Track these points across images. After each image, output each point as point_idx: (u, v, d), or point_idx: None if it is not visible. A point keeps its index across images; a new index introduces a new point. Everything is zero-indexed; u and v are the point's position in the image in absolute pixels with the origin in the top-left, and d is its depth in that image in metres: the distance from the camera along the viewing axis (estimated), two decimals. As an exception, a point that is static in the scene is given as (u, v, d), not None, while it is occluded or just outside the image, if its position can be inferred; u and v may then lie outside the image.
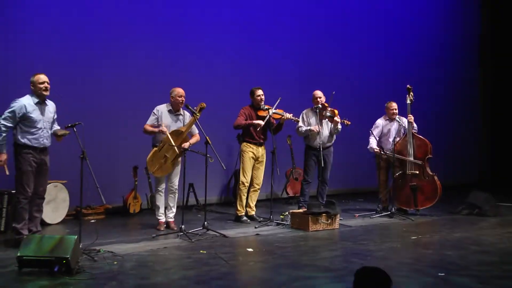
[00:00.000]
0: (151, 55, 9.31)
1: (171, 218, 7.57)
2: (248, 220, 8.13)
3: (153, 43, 9.35)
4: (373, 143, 8.87)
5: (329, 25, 11.53)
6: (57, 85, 8.29)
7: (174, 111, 7.47)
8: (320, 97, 8.42)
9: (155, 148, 7.30)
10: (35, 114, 6.31)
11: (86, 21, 8.71)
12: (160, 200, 7.55)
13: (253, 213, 8.24)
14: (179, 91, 7.43)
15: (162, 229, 7.44)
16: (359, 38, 11.91)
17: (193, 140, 7.46)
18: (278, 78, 10.51)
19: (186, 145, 7.24)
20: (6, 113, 6.24)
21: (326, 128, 8.47)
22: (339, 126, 8.45)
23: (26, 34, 8.18)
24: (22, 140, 6.29)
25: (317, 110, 8.32)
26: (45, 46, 8.32)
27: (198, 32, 9.87)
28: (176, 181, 7.52)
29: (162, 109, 7.46)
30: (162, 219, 7.55)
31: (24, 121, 6.27)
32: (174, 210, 7.60)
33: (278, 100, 8.03)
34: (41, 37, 8.30)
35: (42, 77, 6.36)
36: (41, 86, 6.33)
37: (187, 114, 7.54)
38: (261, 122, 7.98)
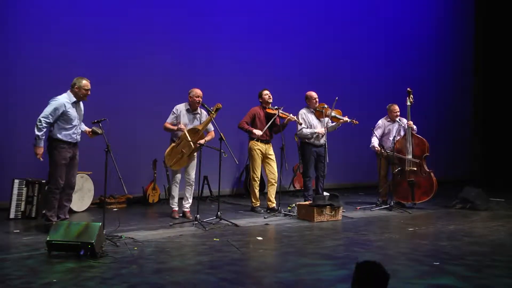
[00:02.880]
0: (170, 57, 9.33)
1: (187, 208, 7.57)
2: (262, 210, 8.13)
3: (172, 46, 9.37)
4: (375, 142, 8.84)
5: (334, 29, 11.46)
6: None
7: (191, 110, 7.49)
8: (316, 97, 8.43)
9: (173, 144, 7.31)
10: (72, 112, 6.36)
11: (111, 24, 8.74)
12: (175, 191, 7.55)
13: (274, 205, 8.20)
14: (197, 91, 7.43)
15: (176, 216, 7.45)
16: (361, 43, 11.83)
17: (208, 138, 7.46)
18: (286, 78, 10.48)
19: (201, 141, 7.25)
20: (47, 111, 6.25)
21: (323, 126, 8.45)
22: (339, 126, 8.48)
23: (57, 35, 8.24)
24: (59, 136, 6.33)
25: (322, 111, 8.31)
26: (73, 48, 8.38)
27: (215, 36, 9.87)
28: (192, 174, 7.52)
29: (181, 108, 7.47)
30: (176, 207, 7.56)
31: (61, 118, 6.31)
32: (190, 200, 7.60)
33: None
34: (69, 38, 8.37)
35: (88, 85, 6.46)
36: (85, 92, 6.43)
37: (204, 113, 7.55)
38: (259, 132, 8.02)
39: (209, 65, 9.75)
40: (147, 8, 9.20)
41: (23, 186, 7.32)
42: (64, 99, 6.34)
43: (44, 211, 6.59)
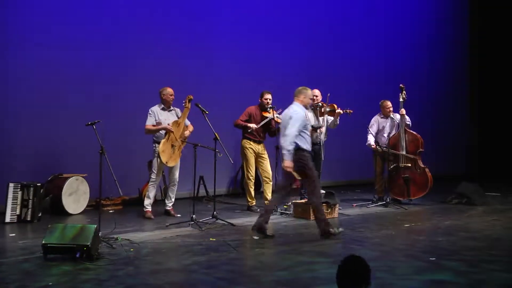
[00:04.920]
0: (164, 58, 9.30)
1: (170, 207, 7.76)
2: (258, 209, 8.12)
3: (165, 46, 9.35)
4: (370, 139, 8.84)
5: (332, 29, 11.47)
6: (79, 86, 8.42)
7: (166, 108, 7.66)
8: (316, 96, 8.38)
9: (163, 140, 7.34)
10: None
11: (106, 26, 8.73)
12: (153, 192, 7.66)
13: None
14: (169, 90, 7.68)
15: (152, 217, 7.52)
16: (357, 41, 11.83)
17: (188, 132, 7.60)
18: (284, 78, 10.46)
19: (186, 133, 7.51)
20: (296, 124, 6.22)
21: (324, 125, 8.44)
22: (338, 121, 8.43)
23: (52, 38, 8.22)
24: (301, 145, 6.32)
25: (318, 108, 8.29)
26: (68, 52, 8.35)
27: (211, 37, 9.86)
28: (177, 173, 7.68)
29: (156, 109, 7.63)
30: (150, 208, 7.64)
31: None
32: (173, 200, 7.80)
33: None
34: (62, 40, 8.33)
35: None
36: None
37: (177, 109, 7.74)
38: (254, 126, 8.03)
39: (205, 66, 9.74)
40: (144, 8, 9.18)
41: (18, 189, 7.29)
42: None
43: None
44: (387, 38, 12.31)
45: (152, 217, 7.52)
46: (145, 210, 7.61)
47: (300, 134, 6.28)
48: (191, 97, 7.51)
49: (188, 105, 7.50)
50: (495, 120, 13.45)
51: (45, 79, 8.12)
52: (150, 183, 7.66)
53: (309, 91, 6.59)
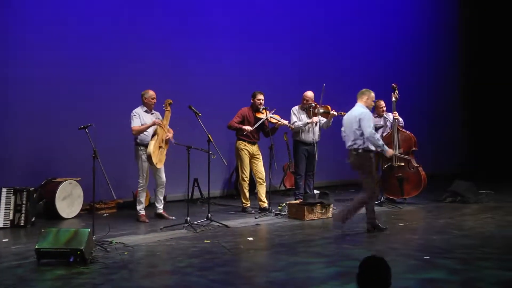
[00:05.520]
0: (159, 59, 9.27)
1: (161, 209, 7.76)
2: (253, 211, 8.13)
3: (158, 47, 9.31)
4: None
5: (324, 29, 11.47)
6: (72, 87, 8.41)
7: (149, 111, 7.68)
8: (311, 98, 8.41)
9: (152, 141, 7.33)
10: None
11: (100, 26, 8.70)
12: (143, 196, 7.67)
13: (265, 205, 8.16)
14: (152, 93, 7.67)
15: (147, 221, 7.51)
16: (349, 41, 11.84)
17: (171, 133, 7.62)
18: (277, 77, 10.48)
19: (170, 135, 7.52)
20: (371, 123, 6.53)
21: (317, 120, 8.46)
22: (330, 123, 8.46)
23: (46, 40, 8.22)
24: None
25: (311, 109, 8.31)
26: (58, 50, 8.33)
27: (201, 35, 9.80)
28: (164, 175, 7.67)
29: (139, 111, 7.63)
30: (144, 212, 7.64)
31: None
32: (163, 201, 7.85)
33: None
34: (54, 40, 8.32)
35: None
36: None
37: (157, 112, 7.75)
38: (249, 128, 8.03)
39: (199, 67, 9.71)
40: (140, 9, 9.14)
41: (11, 194, 7.26)
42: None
43: None
44: (379, 37, 12.32)
45: (147, 220, 7.52)
46: (139, 214, 7.60)
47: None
48: (171, 101, 7.53)
49: (169, 108, 7.52)
50: (489, 119, 13.49)
51: (36, 84, 8.09)
52: (139, 188, 7.65)
53: (372, 93, 6.81)
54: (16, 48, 8.05)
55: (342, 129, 7.01)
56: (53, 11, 8.39)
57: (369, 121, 6.52)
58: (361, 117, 6.52)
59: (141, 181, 7.60)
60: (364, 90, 6.81)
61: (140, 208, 7.62)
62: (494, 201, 8.91)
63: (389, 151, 6.79)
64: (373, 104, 6.89)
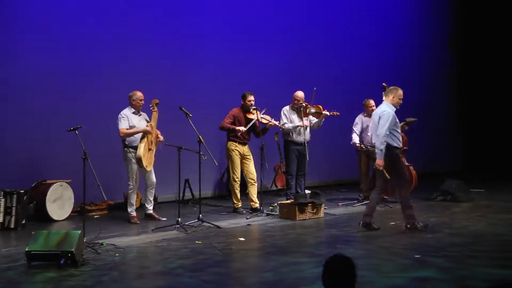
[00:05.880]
0: (149, 59, 9.23)
1: (151, 210, 7.76)
2: (244, 211, 8.12)
3: (150, 47, 9.28)
4: (355, 138, 8.88)
5: (316, 29, 11.50)
6: (63, 89, 8.37)
7: (137, 113, 7.66)
8: (301, 99, 8.41)
9: (142, 144, 7.31)
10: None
11: (91, 27, 8.66)
12: (134, 198, 7.65)
13: (257, 205, 8.14)
14: (139, 94, 7.65)
15: (138, 222, 7.50)
16: (341, 41, 11.87)
17: (159, 133, 7.61)
18: (269, 78, 10.47)
19: (160, 138, 7.52)
20: (386, 124, 6.44)
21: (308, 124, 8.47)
22: (321, 123, 8.48)
23: (32, 35, 8.17)
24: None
25: (301, 109, 8.32)
26: (51, 50, 8.29)
27: (193, 36, 9.80)
28: (154, 177, 7.65)
29: (127, 112, 7.60)
30: (135, 213, 7.62)
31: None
32: (153, 202, 7.88)
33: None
34: (47, 40, 8.28)
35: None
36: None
37: (145, 113, 7.74)
38: (243, 129, 8.03)
39: (189, 67, 9.70)
40: (128, 8, 9.10)
41: (1, 197, 7.19)
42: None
43: None
44: (370, 38, 12.36)
45: (138, 222, 7.50)
46: (130, 215, 7.58)
47: (391, 132, 6.51)
48: (157, 101, 7.52)
49: (156, 108, 7.51)
50: (480, 117, 13.55)
51: (26, 86, 8.04)
52: (129, 190, 7.63)
53: (400, 91, 6.72)
54: (6, 51, 8.01)
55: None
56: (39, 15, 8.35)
57: (387, 122, 6.46)
58: (381, 116, 6.54)
59: (131, 183, 7.58)
60: (392, 88, 6.79)
61: (131, 210, 7.60)
62: (485, 199, 8.96)
63: (380, 162, 6.50)
64: (400, 102, 6.74)
